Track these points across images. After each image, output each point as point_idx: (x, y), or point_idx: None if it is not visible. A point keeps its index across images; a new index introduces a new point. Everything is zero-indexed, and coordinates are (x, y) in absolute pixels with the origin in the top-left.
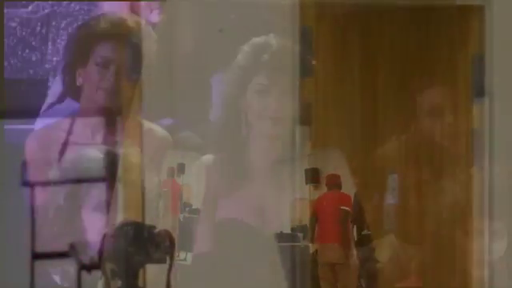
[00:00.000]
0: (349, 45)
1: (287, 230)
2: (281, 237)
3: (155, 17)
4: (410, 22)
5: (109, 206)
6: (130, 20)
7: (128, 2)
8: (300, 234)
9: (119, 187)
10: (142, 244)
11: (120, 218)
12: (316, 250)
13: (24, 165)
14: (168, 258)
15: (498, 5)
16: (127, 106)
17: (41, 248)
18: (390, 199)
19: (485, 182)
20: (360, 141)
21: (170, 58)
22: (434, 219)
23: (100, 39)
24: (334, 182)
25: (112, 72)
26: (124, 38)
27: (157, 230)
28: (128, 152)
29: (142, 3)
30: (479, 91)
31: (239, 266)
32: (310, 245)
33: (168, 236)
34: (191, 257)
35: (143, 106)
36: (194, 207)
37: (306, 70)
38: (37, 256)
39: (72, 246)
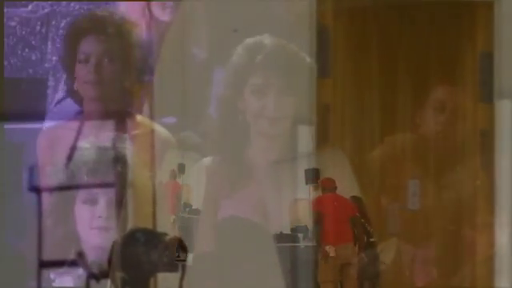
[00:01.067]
0: (366, 43)
1: (287, 231)
2: (281, 237)
3: (167, 15)
4: (425, 19)
5: (119, 211)
6: (108, 15)
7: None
8: (300, 235)
9: (129, 193)
10: (152, 252)
11: (130, 224)
12: (325, 251)
13: (31, 170)
14: (180, 267)
15: (508, 0)
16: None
17: (48, 256)
18: (411, 205)
19: (497, 183)
20: (379, 142)
21: (183, 58)
22: (447, 222)
23: (80, 38)
24: (331, 186)
25: (92, 64)
26: (102, 31)
27: (168, 237)
28: (137, 156)
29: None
30: (487, 90)
31: (239, 267)
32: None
33: (180, 243)
34: (191, 257)
35: (155, 105)
36: (194, 207)
37: (323, 71)
38: (44, 264)
39: (80, 254)
